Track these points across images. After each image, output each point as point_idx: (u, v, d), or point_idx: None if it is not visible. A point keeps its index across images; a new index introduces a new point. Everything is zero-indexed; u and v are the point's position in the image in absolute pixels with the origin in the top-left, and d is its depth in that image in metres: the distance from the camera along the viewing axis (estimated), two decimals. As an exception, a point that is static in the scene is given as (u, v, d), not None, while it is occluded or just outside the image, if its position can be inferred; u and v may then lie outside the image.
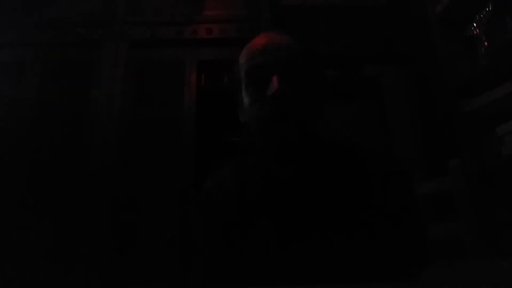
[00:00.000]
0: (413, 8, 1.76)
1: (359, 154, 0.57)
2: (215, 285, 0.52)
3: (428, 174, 1.57)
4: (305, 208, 0.52)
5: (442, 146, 1.51)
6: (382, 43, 1.84)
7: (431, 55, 1.56)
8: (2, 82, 1.67)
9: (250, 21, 1.75)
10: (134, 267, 1.41)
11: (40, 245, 1.41)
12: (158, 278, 1.39)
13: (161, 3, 1.83)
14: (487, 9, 1.24)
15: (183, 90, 1.69)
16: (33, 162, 1.55)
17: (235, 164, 0.65)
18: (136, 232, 1.47)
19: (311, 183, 0.53)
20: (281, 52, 0.54)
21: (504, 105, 1.17)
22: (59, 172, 1.54)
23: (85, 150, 1.57)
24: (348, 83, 1.81)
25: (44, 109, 1.64)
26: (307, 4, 1.88)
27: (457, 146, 1.33)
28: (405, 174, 0.56)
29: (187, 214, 0.64)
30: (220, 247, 0.55)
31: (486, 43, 1.24)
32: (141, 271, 1.40)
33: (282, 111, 0.51)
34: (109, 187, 1.51)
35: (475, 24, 1.30)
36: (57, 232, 1.44)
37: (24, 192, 1.50)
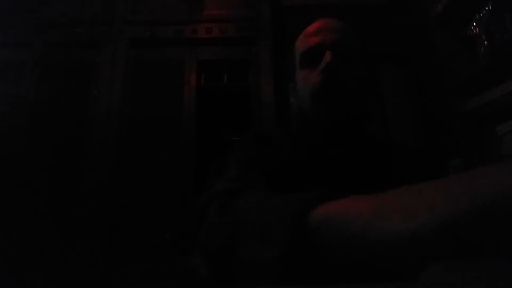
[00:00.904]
0: (413, 8, 1.76)
1: (399, 147, 0.62)
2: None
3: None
4: (345, 188, 0.51)
5: (442, 146, 1.51)
6: (382, 43, 1.84)
7: (430, 55, 1.56)
8: (1, 82, 1.67)
9: (250, 20, 1.74)
10: (134, 267, 1.41)
11: (39, 245, 1.41)
12: (158, 278, 1.39)
13: (161, 3, 1.83)
14: (487, 9, 1.23)
15: (183, 90, 1.69)
16: (32, 162, 1.55)
17: (285, 131, 0.65)
18: (136, 232, 1.47)
19: (356, 165, 0.55)
20: (335, 33, 0.57)
21: (504, 105, 1.17)
22: (59, 172, 1.54)
23: (85, 150, 1.57)
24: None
25: (43, 109, 1.64)
26: (307, 4, 1.88)
27: (457, 146, 1.33)
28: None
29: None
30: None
31: (486, 42, 1.23)
32: (140, 271, 1.40)
33: (333, 83, 0.53)
34: (109, 187, 1.51)
35: (474, 24, 1.30)
36: (56, 232, 1.44)
37: (23, 192, 1.50)
